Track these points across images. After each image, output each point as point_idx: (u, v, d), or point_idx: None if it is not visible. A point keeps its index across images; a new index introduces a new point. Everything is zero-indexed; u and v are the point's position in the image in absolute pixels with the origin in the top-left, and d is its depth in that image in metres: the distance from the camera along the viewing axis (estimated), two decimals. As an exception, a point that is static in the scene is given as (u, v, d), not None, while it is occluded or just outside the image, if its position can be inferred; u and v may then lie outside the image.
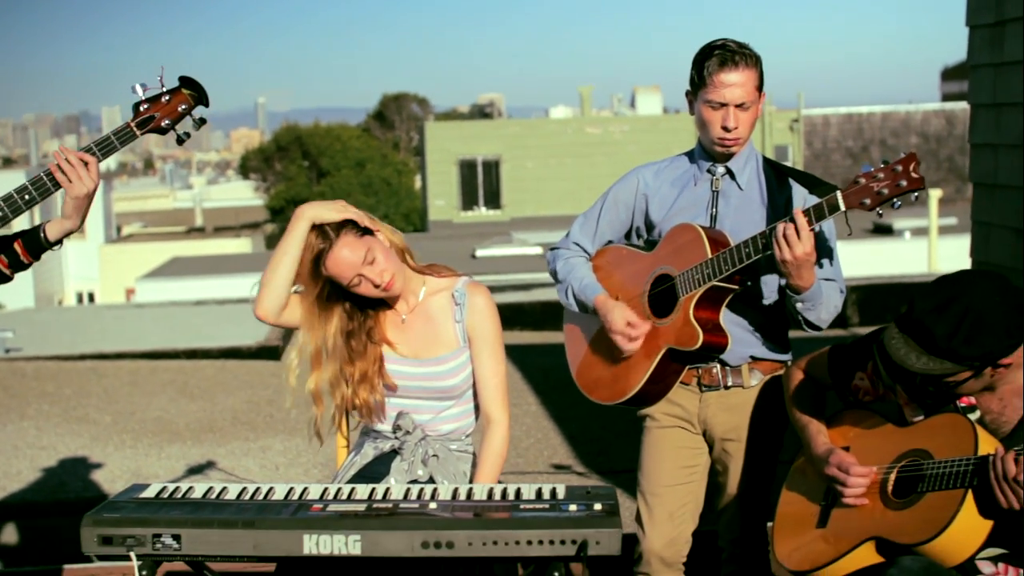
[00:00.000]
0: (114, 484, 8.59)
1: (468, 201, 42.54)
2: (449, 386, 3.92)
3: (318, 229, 3.78)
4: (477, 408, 4.00)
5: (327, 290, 3.84)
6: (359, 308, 3.94)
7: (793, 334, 4.11)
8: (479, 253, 32.84)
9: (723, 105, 3.86)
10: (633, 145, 37.82)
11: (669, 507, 4.12)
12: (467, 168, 42.65)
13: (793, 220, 3.60)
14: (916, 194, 3.55)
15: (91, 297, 45.52)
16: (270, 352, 15.02)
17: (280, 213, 54.15)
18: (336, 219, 3.77)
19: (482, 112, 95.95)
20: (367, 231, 3.86)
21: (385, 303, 3.97)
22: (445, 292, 3.98)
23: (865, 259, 26.87)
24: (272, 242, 48.86)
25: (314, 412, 3.94)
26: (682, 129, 41.65)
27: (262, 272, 3.88)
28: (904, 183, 3.52)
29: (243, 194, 76.81)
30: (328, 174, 55.50)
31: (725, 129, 3.88)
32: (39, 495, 8.42)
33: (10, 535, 7.37)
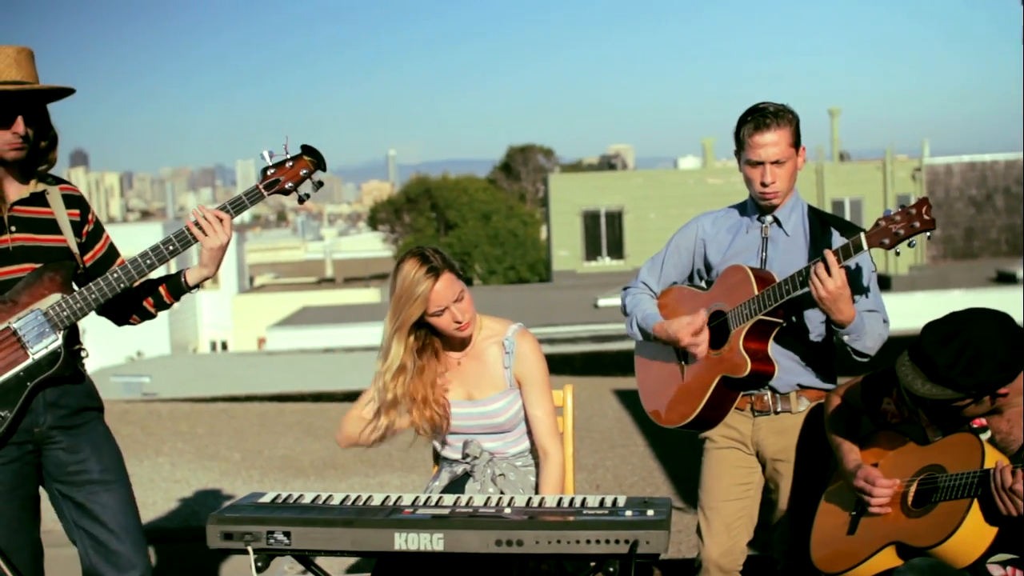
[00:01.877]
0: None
1: (591, 251, 43.06)
2: (501, 422, 4.43)
3: (423, 259, 4.29)
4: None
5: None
6: (429, 341, 4.46)
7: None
8: (601, 303, 33.25)
9: (760, 163, 4.36)
10: (754, 196, 38.14)
11: (726, 520, 4.58)
12: (590, 219, 43.19)
13: (824, 259, 4.08)
14: (928, 233, 4.01)
15: (224, 345, 46.66)
16: (391, 395, 15.63)
17: (408, 264, 54.91)
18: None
19: (608, 164, 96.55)
20: (463, 277, 4.40)
21: (447, 346, 4.49)
22: (497, 338, 4.47)
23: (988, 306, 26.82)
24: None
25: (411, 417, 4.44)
26: (804, 179, 41.79)
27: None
28: (917, 224, 3.98)
29: (372, 245, 78.03)
30: (455, 226, 56.36)
31: (763, 185, 4.38)
32: (172, 523, 9.04)
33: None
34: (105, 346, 36.21)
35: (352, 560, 6.35)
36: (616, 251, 42.94)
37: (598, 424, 13.32)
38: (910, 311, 20.23)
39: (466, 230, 54.94)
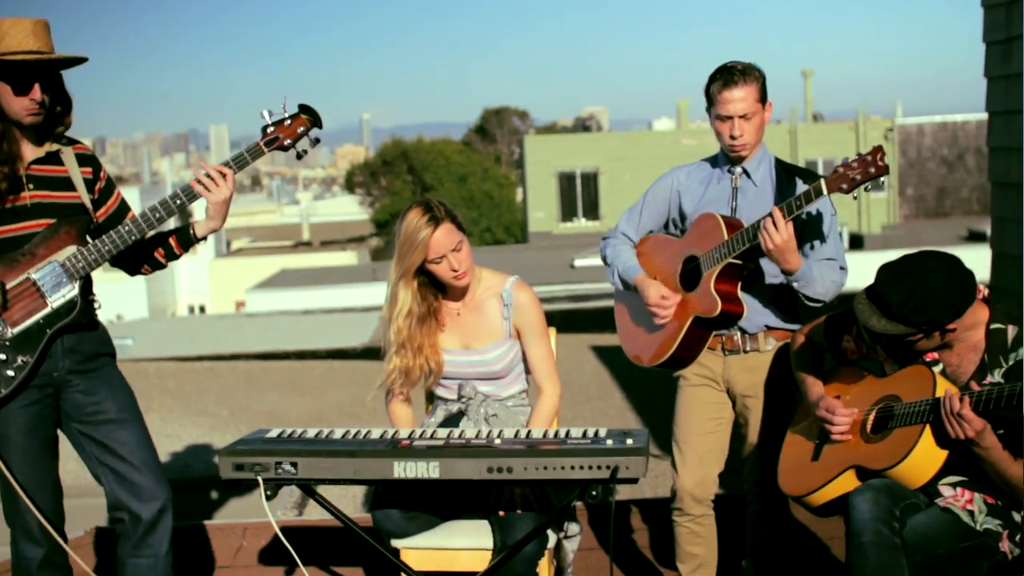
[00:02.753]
0: (234, 465, 9.52)
1: (567, 213, 43.39)
2: (497, 370, 4.72)
3: (427, 208, 4.58)
4: (522, 373, 4.82)
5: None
6: (430, 291, 4.76)
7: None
8: (577, 263, 33.54)
9: (729, 118, 4.66)
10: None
11: (698, 452, 4.90)
12: (566, 180, 43.49)
13: (771, 215, 4.40)
14: (883, 179, 4.33)
15: (202, 309, 46.79)
16: (375, 352, 15.93)
17: (384, 227, 55.22)
18: None
19: (583, 126, 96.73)
20: (463, 227, 4.68)
21: (447, 295, 4.79)
22: (495, 291, 4.77)
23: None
24: (378, 255, 49.85)
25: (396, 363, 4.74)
26: (778, 139, 42.11)
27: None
28: (872, 170, 4.29)
29: (349, 209, 77.92)
30: (431, 188, 56.52)
31: (732, 137, 4.68)
32: (168, 475, 9.34)
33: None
34: (84, 310, 36.47)
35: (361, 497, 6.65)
36: (592, 212, 43.26)
37: (576, 379, 13.67)
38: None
39: (442, 192, 55.07)
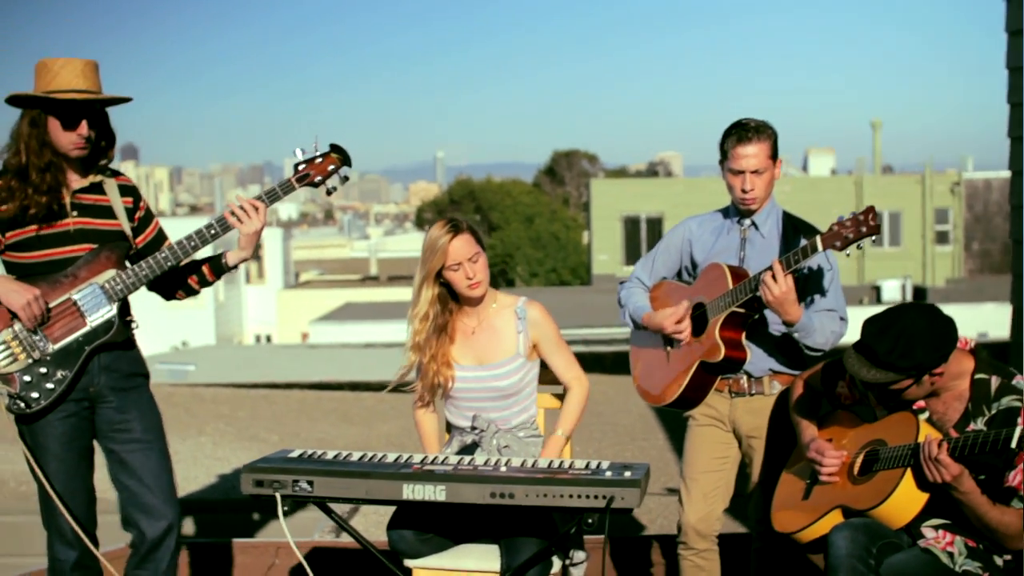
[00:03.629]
0: (279, 490, 9.80)
1: (631, 256, 43.54)
2: (506, 385, 4.95)
3: (449, 220, 4.91)
4: (533, 399, 5.05)
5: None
6: (449, 301, 5.01)
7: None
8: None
9: (741, 172, 4.89)
10: (794, 206, 38.87)
11: (704, 489, 5.10)
12: (631, 224, 43.72)
13: (771, 267, 4.62)
14: (873, 238, 4.54)
15: (268, 339, 47.27)
16: (426, 386, 16.22)
17: (451, 264, 55.36)
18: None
19: (654, 171, 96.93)
20: (482, 243, 4.96)
21: (462, 308, 5.03)
22: (509, 309, 5.03)
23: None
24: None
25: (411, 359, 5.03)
26: (843, 191, 42.13)
27: None
28: (864, 229, 4.51)
29: (417, 245, 77.72)
30: (498, 227, 56.86)
31: (743, 191, 4.90)
32: (213, 496, 9.64)
33: (188, 527, 8.60)
34: (152, 336, 37.02)
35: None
36: (655, 256, 43.38)
37: (622, 419, 13.85)
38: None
39: (509, 232, 55.46)
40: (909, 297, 37.28)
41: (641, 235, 43.85)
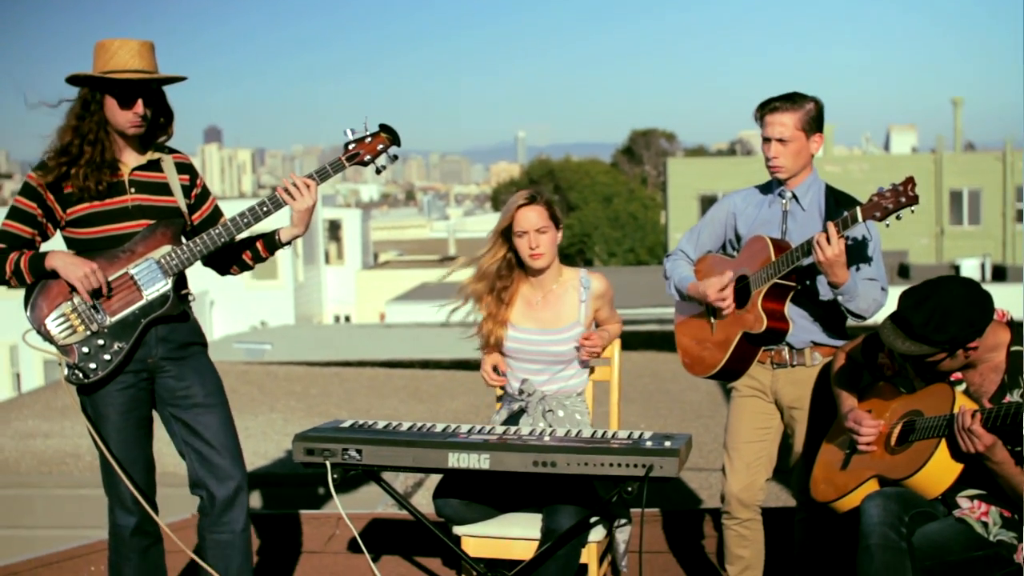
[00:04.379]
0: (345, 464, 10.00)
1: (708, 235, 43.46)
2: (562, 351, 5.10)
3: (530, 192, 5.16)
4: (583, 370, 5.18)
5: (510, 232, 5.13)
6: (514, 268, 5.21)
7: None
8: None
9: (768, 140, 4.99)
10: (872, 184, 38.68)
11: (746, 459, 5.18)
12: (708, 203, 43.51)
13: (826, 230, 4.67)
14: (912, 208, 4.60)
15: (347, 319, 47.63)
16: (495, 364, 16.35)
17: (529, 244, 55.58)
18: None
19: (732, 150, 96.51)
20: (556, 220, 5.14)
21: (527, 277, 5.20)
22: (574, 280, 5.21)
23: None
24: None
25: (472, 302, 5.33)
26: (922, 169, 41.74)
27: None
28: (903, 200, 4.56)
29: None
30: (577, 207, 56.91)
31: (769, 159, 5.00)
32: (282, 470, 9.82)
33: (255, 500, 8.79)
34: (232, 316, 37.49)
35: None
36: (733, 235, 43.24)
37: (691, 396, 13.90)
38: None
39: (587, 212, 55.50)
40: (989, 277, 36.88)
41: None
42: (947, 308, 4.15)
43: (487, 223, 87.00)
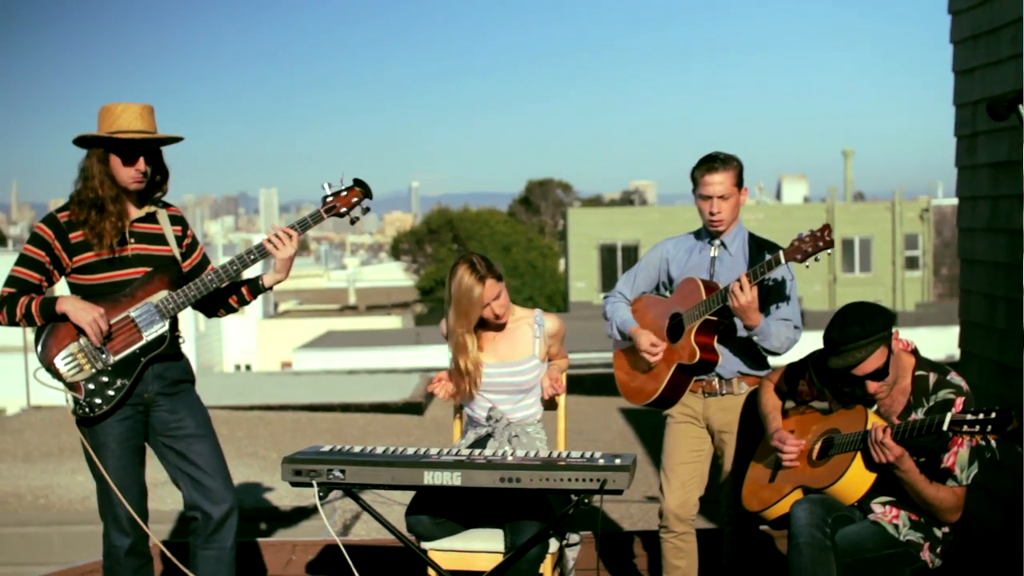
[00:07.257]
0: (282, 501, 10.38)
1: (608, 283, 44.17)
2: (522, 380, 5.61)
3: (472, 267, 5.46)
4: (538, 400, 5.72)
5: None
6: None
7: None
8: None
9: (709, 198, 5.58)
10: (767, 232, 39.65)
11: (682, 478, 5.75)
12: (607, 252, 44.38)
13: (739, 279, 5.31)
14: (829, 251, 5.23)
15: (248, 368, 47.58)
16: (414, 408, 16.81)
17: (429, 293, 55.82)
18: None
19: (628, 200, 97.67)
20: (501, 278, 5.56)
21: (487, 325, 5.68)
22: (528, 318, 5.69)
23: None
24: (422, 321, 50.53)
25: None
26: (815, 218, 42.84)
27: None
28: (821, 244, 5.18)
29: (394, 275, 78.38)
30: (476, 257, 57.07)
31: (711, 214, 5.59)
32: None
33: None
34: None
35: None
36: (632, 283, 43.90)
37: (603, 436, 14.46)
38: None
39: (487, 261, 55.68)
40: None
41: (617, 262, 44.52)
42: (859, 312, 4.82)
43: (384, 272, 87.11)
